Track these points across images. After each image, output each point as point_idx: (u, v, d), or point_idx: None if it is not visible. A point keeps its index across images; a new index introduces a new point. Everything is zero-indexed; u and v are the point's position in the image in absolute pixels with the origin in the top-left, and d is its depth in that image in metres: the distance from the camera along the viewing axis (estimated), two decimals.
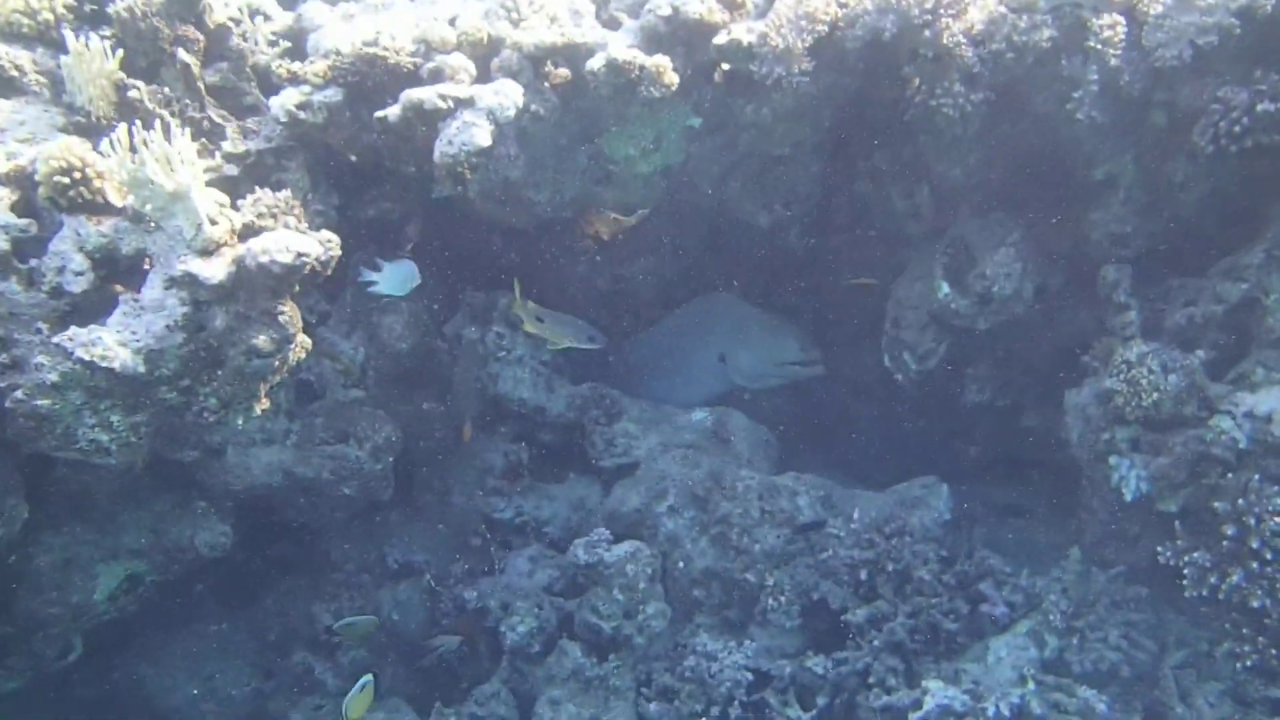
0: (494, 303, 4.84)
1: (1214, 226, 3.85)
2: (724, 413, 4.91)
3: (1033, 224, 4.25)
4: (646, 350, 5.27)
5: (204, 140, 3.54)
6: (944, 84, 3.45)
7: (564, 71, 3.59)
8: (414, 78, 3.50)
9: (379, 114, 3.47)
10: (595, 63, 3.45)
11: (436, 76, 3.42)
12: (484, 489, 4.79)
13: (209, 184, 3.29)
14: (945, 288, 4.25)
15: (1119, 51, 3.25)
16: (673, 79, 3.49)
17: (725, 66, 3.96)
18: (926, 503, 4.44)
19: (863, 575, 3.83)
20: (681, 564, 4.25)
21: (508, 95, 3.30)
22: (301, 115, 3.45)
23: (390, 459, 4.24)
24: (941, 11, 3.33)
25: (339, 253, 3.19)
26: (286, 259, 2.87)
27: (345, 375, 4.05)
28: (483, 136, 3.27)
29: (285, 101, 3.45)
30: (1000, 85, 3.55)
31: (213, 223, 2.91)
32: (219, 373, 3.01)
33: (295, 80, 3.52)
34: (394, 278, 3.85)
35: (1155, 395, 3.38)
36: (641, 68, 3.43)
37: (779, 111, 4.11)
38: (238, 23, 3.72)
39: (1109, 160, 3.90)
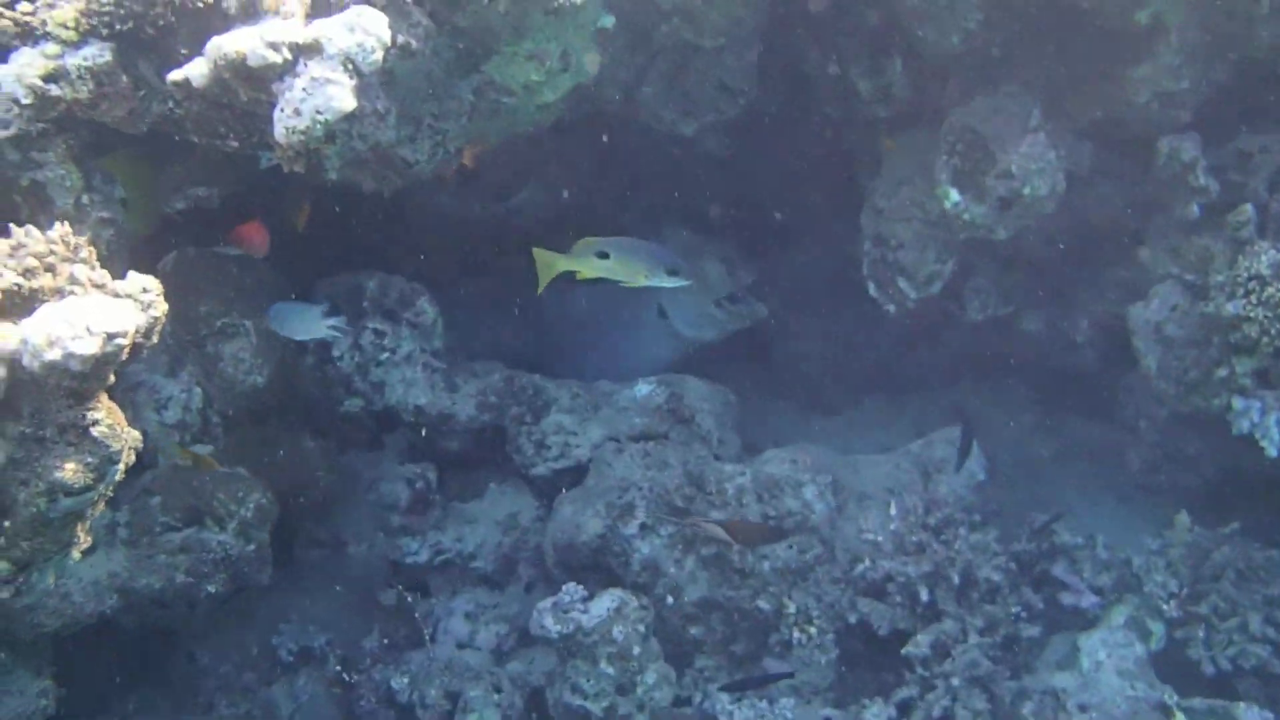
0: (359, 287, 4.04)
1: None
2: (676, 381, 4.30)
3: (1052, 93, 3.72)
4: (569, 317, 4.60)
5: None
6: None
7: None
8: (217, 14, 2.62)
9: (174, 76, 2.61)
10: None
11: (251, 12, 2.55)
12: (387, 530, 4.10)
13: None
14: (955, 194, 3.70)
15: None
16: None
17: None
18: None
19: (923, 594, 3.35)
20: (670, 598, 3.70)
21: (369, 31, 2.49)
22: (54, 90, 2.55)
23: (266, 533, 3.49)
24: None
25: (164, 307, 2.38)
26: (89, 348, 2.05)
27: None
28: (344, 98, 2.47)
29: (24, 72, 2.54)
30: None
31: None
32: (5, 525, 2.20)
33: (31, 35, 2.59)
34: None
35: None
36: None
37: None
38: None
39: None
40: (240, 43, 2.45)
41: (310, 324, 3.26)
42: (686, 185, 4.74)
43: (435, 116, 3.16)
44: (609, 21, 3.33)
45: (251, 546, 3.41)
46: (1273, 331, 2.98)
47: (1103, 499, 4.47)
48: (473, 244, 4.66)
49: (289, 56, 2.47)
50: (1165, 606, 3.38)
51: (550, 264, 3.43)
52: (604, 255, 3.37)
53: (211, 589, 3.37)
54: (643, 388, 4.28)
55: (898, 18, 3.75)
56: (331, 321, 3.26)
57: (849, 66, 4.01)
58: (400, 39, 2.71)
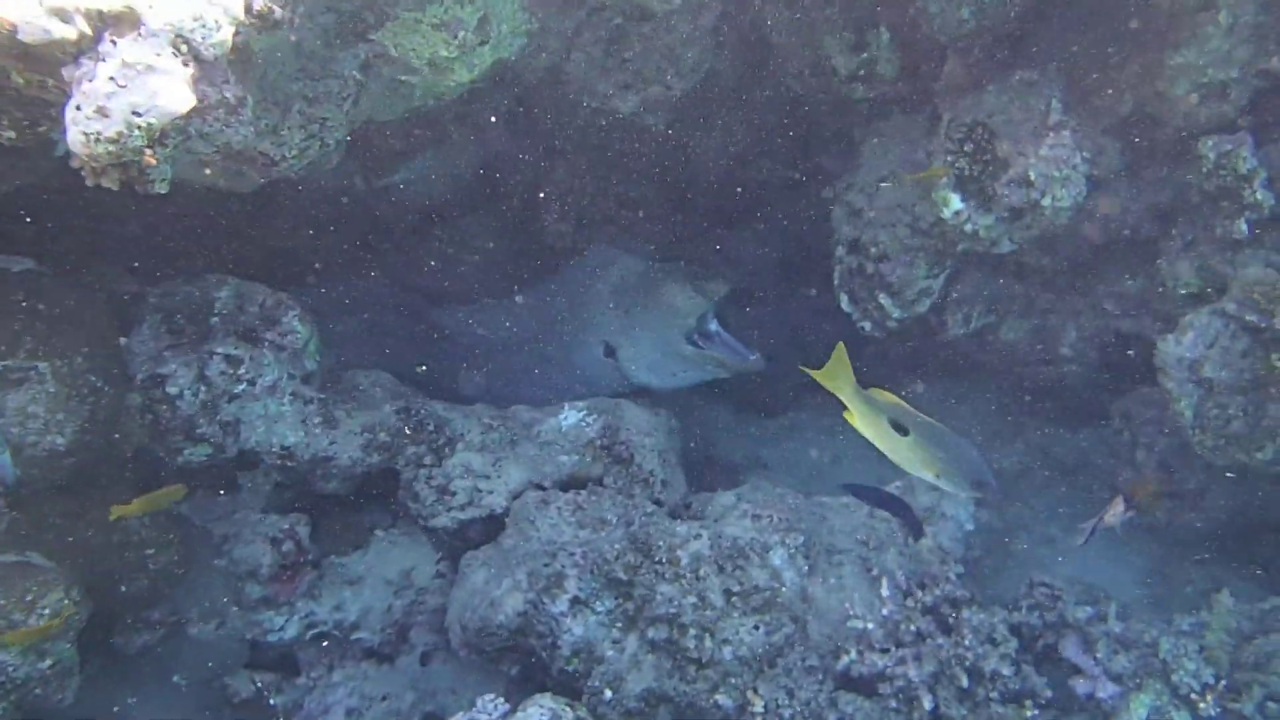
0: (205, 300, 3.21)
1: None
2: (610, 407, 3.63)
3: (1074, 81, 3.14)
4: (478, 342, 3.87)
5: None
6: None
7: None
8: None
9: None
10: None
11: None
12: (243, 603, 3.33)
13: None
14: (956, 201, 3.09)
15: None
16: None
17: None
18: (940, 511, 3.47)
19: (926, 700, 2.78)
20: (608, 691, 3.05)
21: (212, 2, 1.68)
22: None
23: (68, 641, 2.70)
24: None
25: None
26: None
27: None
28: (175, 93, 1.68)
29: None
30: None
31: None
32: None
33: None
34: None
35: None
36: None
37: None
38: None
39: None
40: (9, 9, 1.62)
41: None
42: (617, 162, 4.02)
43: (308, 100, 2.36)
44: None
45: (46, 663, 2.63)
46: None
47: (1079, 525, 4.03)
48: (351, 229, 3.87)
49: (87, 31, 1.65)
50: (1201, 701, 2.89)
51: (837, 383, 2.56)
52: (901, 428, 2.52)
53: None
54: (570, 415, 3.60)
55: None
56: None
57: (824, 36, 3.34)
58: (258, 5, 1.90)
